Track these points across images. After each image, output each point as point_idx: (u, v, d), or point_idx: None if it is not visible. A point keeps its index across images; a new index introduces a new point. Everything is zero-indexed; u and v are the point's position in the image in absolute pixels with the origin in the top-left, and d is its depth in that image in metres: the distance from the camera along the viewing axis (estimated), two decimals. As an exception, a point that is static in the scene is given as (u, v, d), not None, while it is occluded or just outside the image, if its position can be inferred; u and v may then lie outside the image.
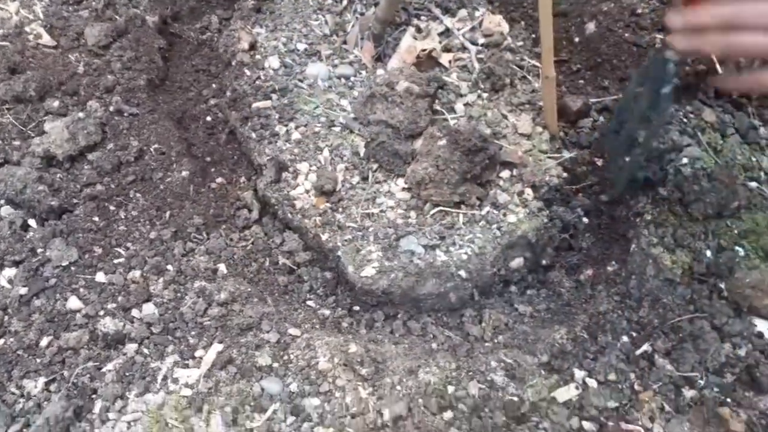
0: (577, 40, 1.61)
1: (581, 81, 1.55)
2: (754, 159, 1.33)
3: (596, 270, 1.25)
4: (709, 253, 1.20)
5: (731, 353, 1.09)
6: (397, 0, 1.44)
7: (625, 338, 1.11)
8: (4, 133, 1.38)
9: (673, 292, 1.16)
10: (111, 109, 1.44)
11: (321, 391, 1.06)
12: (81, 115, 1.40)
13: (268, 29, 1.61)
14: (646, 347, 1.09)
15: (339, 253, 1.26)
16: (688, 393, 1.05)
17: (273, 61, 1.55)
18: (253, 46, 1.58)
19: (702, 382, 1.06)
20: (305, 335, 1.14)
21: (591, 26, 1.60)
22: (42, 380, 1.06)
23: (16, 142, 1.37)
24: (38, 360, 1.08)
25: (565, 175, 1.36)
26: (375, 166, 1.38)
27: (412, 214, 1.31)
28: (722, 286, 1.15)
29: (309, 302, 1.26)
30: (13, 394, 1.05)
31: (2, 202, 1.28)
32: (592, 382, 1.06)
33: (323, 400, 1.05)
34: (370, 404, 1.04)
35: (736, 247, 1.21)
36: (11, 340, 1.10)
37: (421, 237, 1.27)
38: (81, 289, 1.18)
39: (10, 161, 1.34)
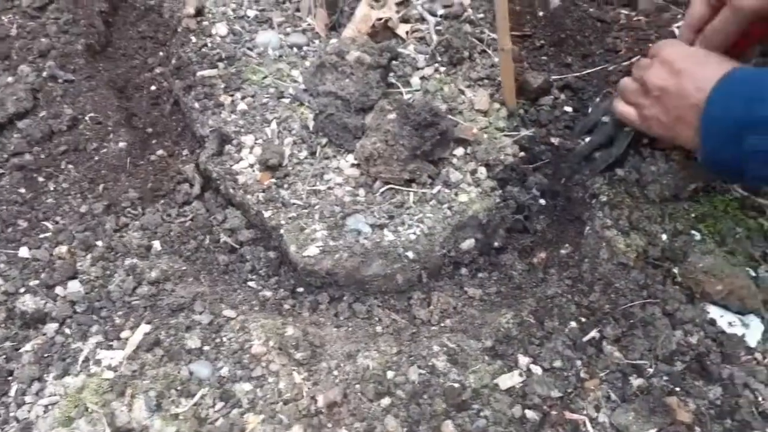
0: (541, 14, 1.55)
1: (544, 57, 1.49)
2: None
3: (549, 253, 1.21)
4: (664, 236, 1.15)
5: (682, 341, 1.05)
6: (351, -35, 1.36)
7: (573, 324, 1.06)
8: (-74, 98, 1.29)
9: (626, 277, 1.12)
10: (44, 74, 1.35)
11: (253, 375, 1.00)
12: (10, 79, 1.31)
13: (217, -6, 1.53)
14: (594, 333, 1.05)
15: (282, 231, 1.20)
16: (636, 381, 1.01)
17: (221, 28, 1.47)
18: (200, 12, 1.49)
19: (651, 371, 1.02)
20: (240, 317, 1.08)
21: (555, 0, 1.54)
22: (-47, 361, 0.99)
23: (-60, 108, 1.28)
24: (-50, 340, 1.01)
25: (521, 153, 1.30)
26: (324, 140, 1.32)
27: (361, 191, 1.25)
28: (676, 271, 1.11)
29: (250, 283, 1.20)
30: None
31: None
32: (536, 369, 1.01)
33: (255, 385, 0.99)
34: (304, 390, 0.99)
35: (693, 231, 1.17)
36: None
37: (368, 216, 1.21)
38: (1, 265, 1.10)
39: (-68, 128, 1.25)
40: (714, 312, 1.09)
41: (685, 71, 0.92)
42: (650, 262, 1.14)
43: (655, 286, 1.11)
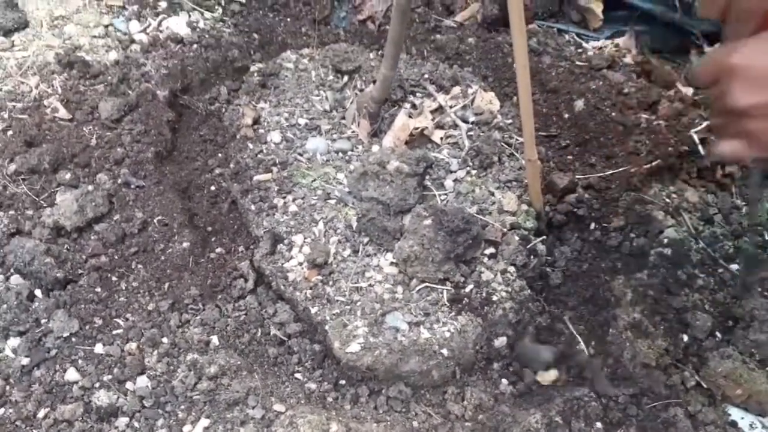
0: (566, 116, 1.67)
1: (569, 157, 1.60)
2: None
3: (575, 351, 1.28)
4: (686, 338, 1.22)
5: (704, 442, 1.11)
6: (390, 83, 1.51)
7: (598, 425, 1.13)
8: (18, 203, 1.47)
9: (649, 378, 1.18)
10: (119, 181, 1.52)
11: (301, 469, 1.10)
12: (90, 187, 1.48)
13: (271, 104, 1.70)
14: (618, 435, 1.12)
15: (327, 327, 1.31)
16: (660, 482, 1.06)
17: (275, 136, 1.63)
18: (256, 121, 1.66)
19: (674, 471, 1.08)
20: (289, 412, 1.18)
21: (580, 103, 1.66)
22: (37, 451, 1.12)
23: (29, 212, 1.46)
24: (35, 431, 1.14)
25: (548, 253, 1.40)
26: (366, 239, 1.44)
27: (399, 289, 1.36)
28: (697, 373, 1.18)
29: (297, 375, 1.31)
30: (10, 464, 1.11)
31: (12, 272, 1.36)
32: (563, 469, 1.08)
33: (302, 479, 1.09)
34: (347, 484, 1.08)
35: (717, 333, 1.24)
36: (10, 410, 1.16)
37: (406, 313, 1.31)
38: (80, 361, 1.24)
39: (22, 231, 1.42)
40: (735, 414, 1.14)
41: None
42: (672, 363, 1.20)
43: (678, 388, 1.17)
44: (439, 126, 1.61)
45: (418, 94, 1.68)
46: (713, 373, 1.15)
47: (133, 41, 1.81)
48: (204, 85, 1.85)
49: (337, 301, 1.35)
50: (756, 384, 1.12)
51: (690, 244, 1.35)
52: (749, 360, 1.15)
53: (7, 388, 1.20)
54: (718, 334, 1.22)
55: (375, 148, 1.59)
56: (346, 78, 1.74)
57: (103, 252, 1.41)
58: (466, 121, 1.61)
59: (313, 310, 1.34)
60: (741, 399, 1.13)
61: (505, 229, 1.41)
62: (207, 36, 1.86)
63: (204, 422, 1.15)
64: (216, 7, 1.95)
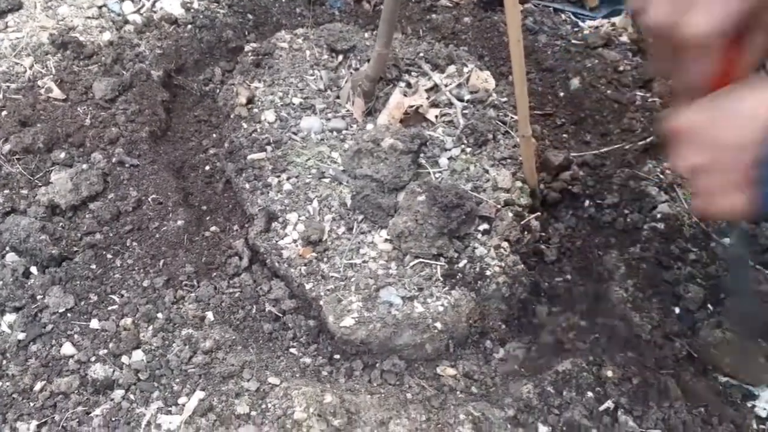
0: (561, 94, 1.67)
1: (564, 135, 1.61)
2: (727, 216, 1.37)
3: (569, 324, 1.29)
4: (678, 310, 1.23)
5: (695, 411, 1.11)
6: (384, 61, 1.51)
7: (590, 394, 1.14)
8: (13, 183, 1.47)
9: (641, 349, 1.19)
10: (113, 160, 1.52)
11: (295, 440, 1.11)
12: (85, 166, 1.49)
13: (266, 84, 1.70)
14: (609, 403, 1.12)
15: (321, 302, 1.32)
16: (650, 450, 1.07)
17: (269, 115, 1.63)
18: (251, 101, 1.66)
19: (665, 440, 1.09)
20: (284, 384, 1.19)
21: (575, 82, 1.66)
22: (34, 423, 1.13)
23: (24, 191, 1.46)
24: (31, 403, 1.15)
25: (542, 229, 1.40)
26: (360, 217, 1.44)
27: (393, 265, 1.36)
28: (689, 344, 1.18)
29: (292, 350, 1.31)
30: (7, 436, 1.12)
31: (7, 249, 1.36)
32: (555, 438, 1.09)
33: (296, 450, 1.10)
34: (341, 454, 1.09)
35: (708, 306, 1.25)
36: (7, 383, 1.17)
37: (400, 288, 1.32)
38: (75, 336, 1.25)
39: (17, 210, 1.42)
40: (726, 384, 1.15)
41: (710, 134, 0.73)
42: (665, 335, 1.21)
43: (670, 358, 1.18)
44: (434, 104, 1.61)
45: (413, 73, 1.68)
46: (704, 344, 1.16)
47: (126, 22, 1.81)
48: (198, 66, 1.85)
49: (332, 277, 1.36)
50: (747, 354, 1.13)
51: (683, 219, 1.36)
52: (739, 330, 1.16)
53: (4, 362, 1.20)
54: (709, 306, 1.22)
55: (369, 126, 1.59)
56: (340, 57, 1.74)
57: (97, 230, 1.42)
58: (461, 100, 1.61)
59: (308, 287, 1.35)
60: (731, 369, 1.14)
61: (499, 206, 1.41)
62: (201, 16, 1.86)
63: (199, 394, 1.16)
64: (210, -13, 1.95)
